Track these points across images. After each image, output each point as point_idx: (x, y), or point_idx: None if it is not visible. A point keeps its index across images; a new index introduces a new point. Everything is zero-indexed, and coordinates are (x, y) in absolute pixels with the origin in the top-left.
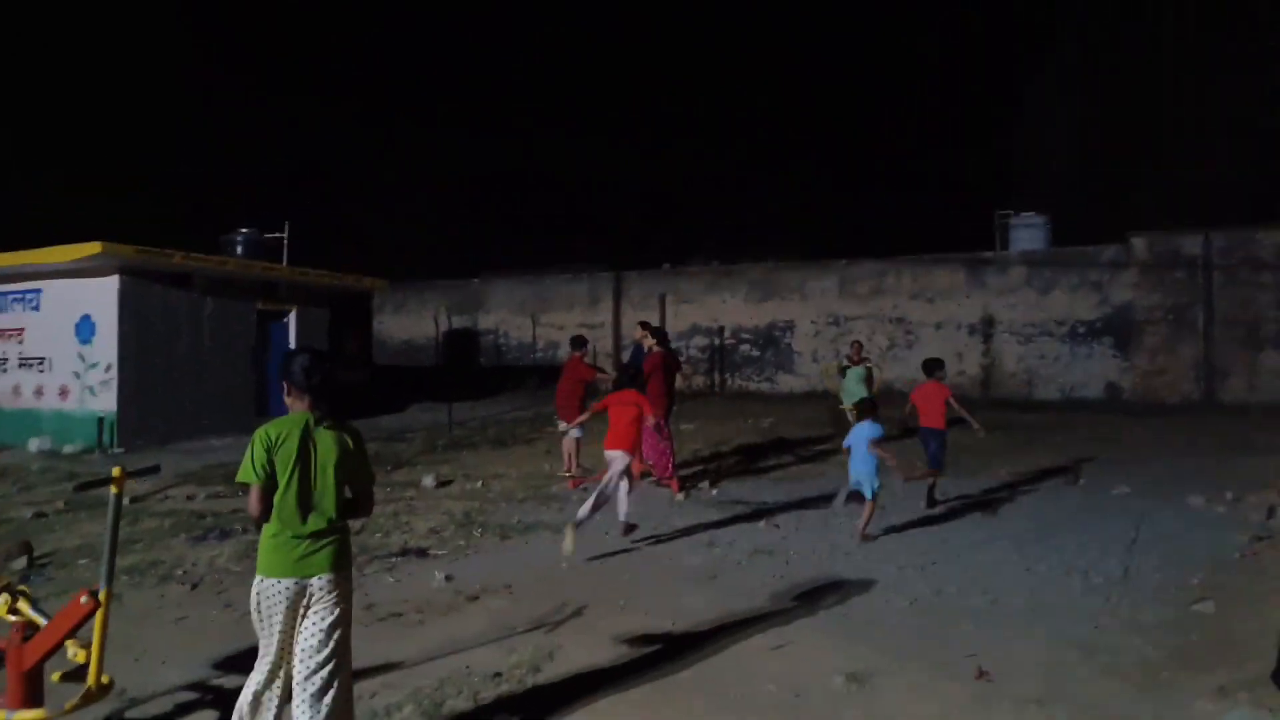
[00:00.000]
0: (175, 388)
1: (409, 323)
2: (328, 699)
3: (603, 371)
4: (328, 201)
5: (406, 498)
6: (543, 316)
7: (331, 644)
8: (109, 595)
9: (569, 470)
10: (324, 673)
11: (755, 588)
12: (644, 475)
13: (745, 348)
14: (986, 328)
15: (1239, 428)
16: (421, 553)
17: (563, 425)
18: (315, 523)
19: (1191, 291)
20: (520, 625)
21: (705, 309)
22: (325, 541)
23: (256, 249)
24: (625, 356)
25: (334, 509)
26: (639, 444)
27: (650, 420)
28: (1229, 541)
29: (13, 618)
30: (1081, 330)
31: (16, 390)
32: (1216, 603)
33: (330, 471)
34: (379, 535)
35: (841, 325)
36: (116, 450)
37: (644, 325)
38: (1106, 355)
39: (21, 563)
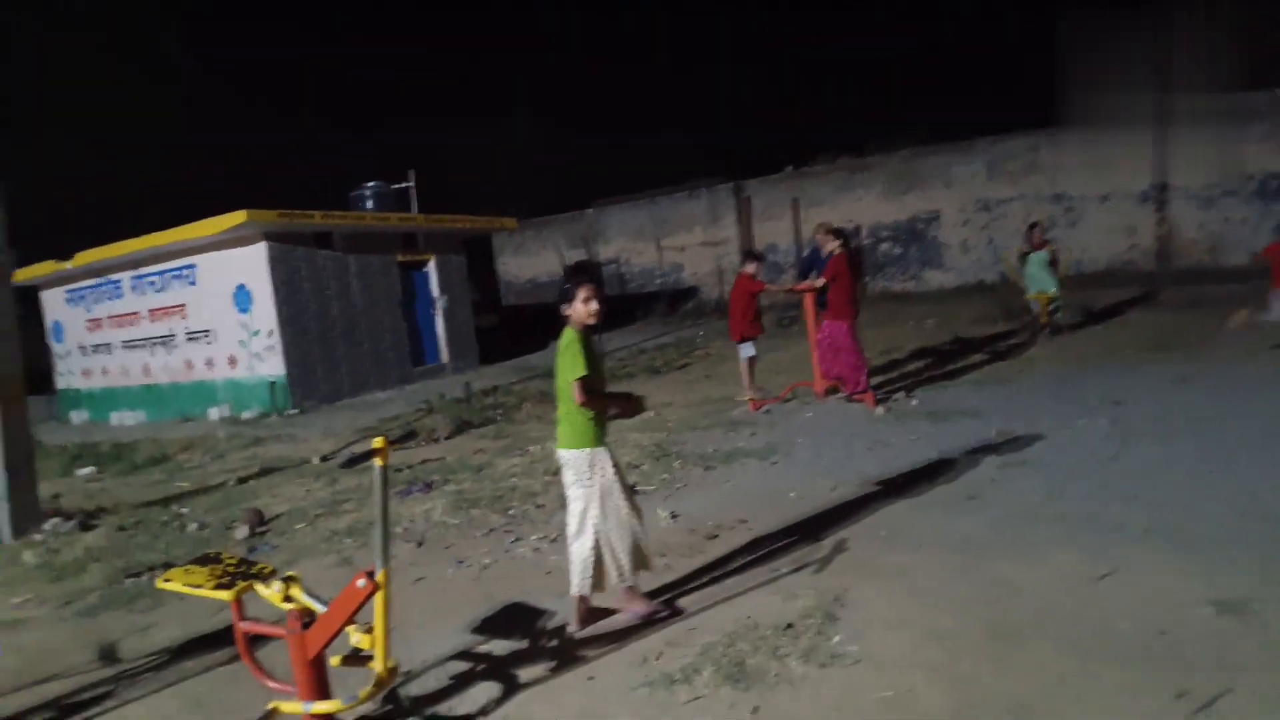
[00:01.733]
0: (334, 346)
1: (530, 261)
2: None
3: (773, 285)
4: (440, 144)
5: None
6: (664, 240)
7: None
8: (387, 576)
9: (750, 392)
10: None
11: (1029, 507)
12: (831, 391)
13: (886, 245)
14: (1160, 193)
15: None
16: (631, 488)
17: (743, 346)
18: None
19: None
20: (781, 565)
21: (838, 210)
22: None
23: (386, 201)
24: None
25: None
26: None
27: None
28: None
29: (288, 605)
30: (1274, 185)
31: (189, 364)
32: None
33: (603, 367)
34: None
35: (993, 210)
36: (291, 412)
37: (824, 226)
38: None
39: (244, 532)
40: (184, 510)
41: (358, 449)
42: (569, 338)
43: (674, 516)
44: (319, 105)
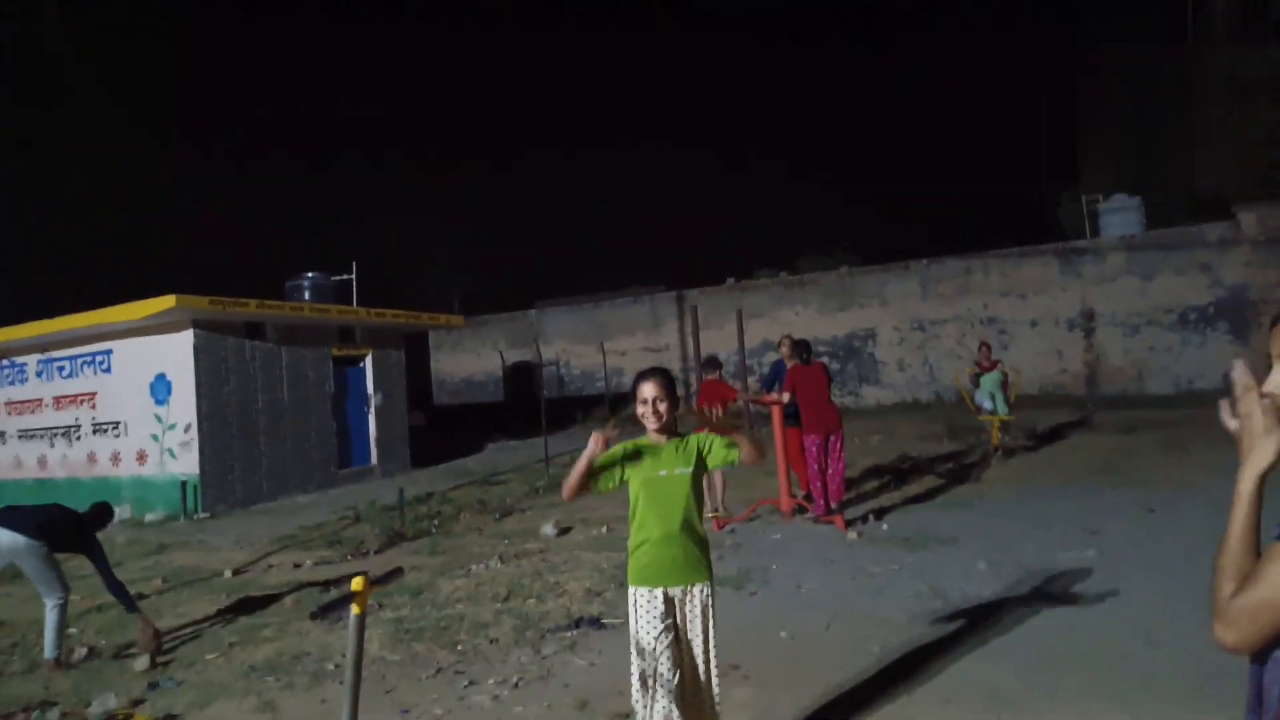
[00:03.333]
0: (256, 445)
1: (467, 360)
2: None
3: (744, 393)
4: (378, 240)
5: (535, 551)
6: (605, 343)
7: None
8: None
9: (714, 509)
10: None
11: (1049, 649)
12: (799, 511)
13: (825, 360)
14: (1087, 321)
15: None
16: (595, 621)
17: None
18: None
19: None
20: None
21: (777, 323)
22: None
23: (325, 292)
24: (696, 379)
25: None
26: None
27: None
28: None
29: None
30: (1193, 316)
31: (92, 458)
32: None
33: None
34: (532, 601)
35: (927, 330)
36: (202, 515)
37: (788, 338)
38: (1222, 341)
39: (143, 663)
40: (71, 631)
41: (331, 593)
42: (625, 442)
43: None
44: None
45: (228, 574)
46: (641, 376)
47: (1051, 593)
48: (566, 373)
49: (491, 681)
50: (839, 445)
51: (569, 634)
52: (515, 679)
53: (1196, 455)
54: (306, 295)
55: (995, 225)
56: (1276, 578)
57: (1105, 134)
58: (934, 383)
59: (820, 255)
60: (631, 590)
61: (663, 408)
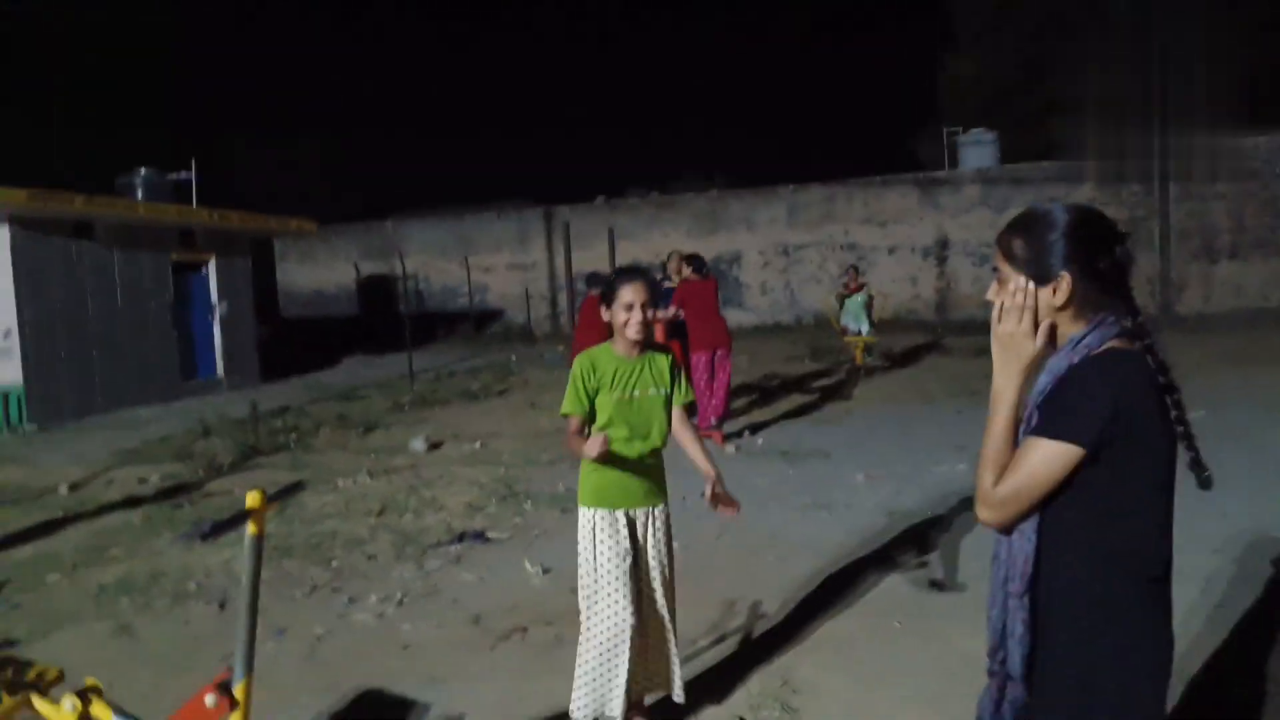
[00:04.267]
0: (88, 354)
1: (318, 271)
2: None
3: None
4: (223, 139)
5: (405, 466)
6: (468, 258)
7: None
8: (249, 689)
9: None
10: None
11: (957, 557)
12: None
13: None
14: (941, 250)
15: (1215, 340)
16: (480, 536)
17: None
18: None
19: (1147, 205)
20: (700, 638)
21: (647, 244)
22: None
23: (161, 192)
24: (564, 298)
25: None
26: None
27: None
28: None
29: None
30: None
31: None
32: None
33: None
34: (409, 516)
35: (791, 255)
36: (28, 429)
37: (678, 254)
38: None
39: None
40: None
41: (222, 516)
42: (580, 360)
43: (545, 571)
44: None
45: (63, 490)
46: (623, 276)
47: (931, 500)
48: (426, 287)
49: (374, 599)
50: (726, 361)
51: (453, 548)
52: (399, 595)
53: None
54: (139, 194)
55: (857, 154)
56: (1033, 468)
57: (967, 68)
58: (795, 306)
59: (691, 178)
60: (588, 512)
61: (649, 315)
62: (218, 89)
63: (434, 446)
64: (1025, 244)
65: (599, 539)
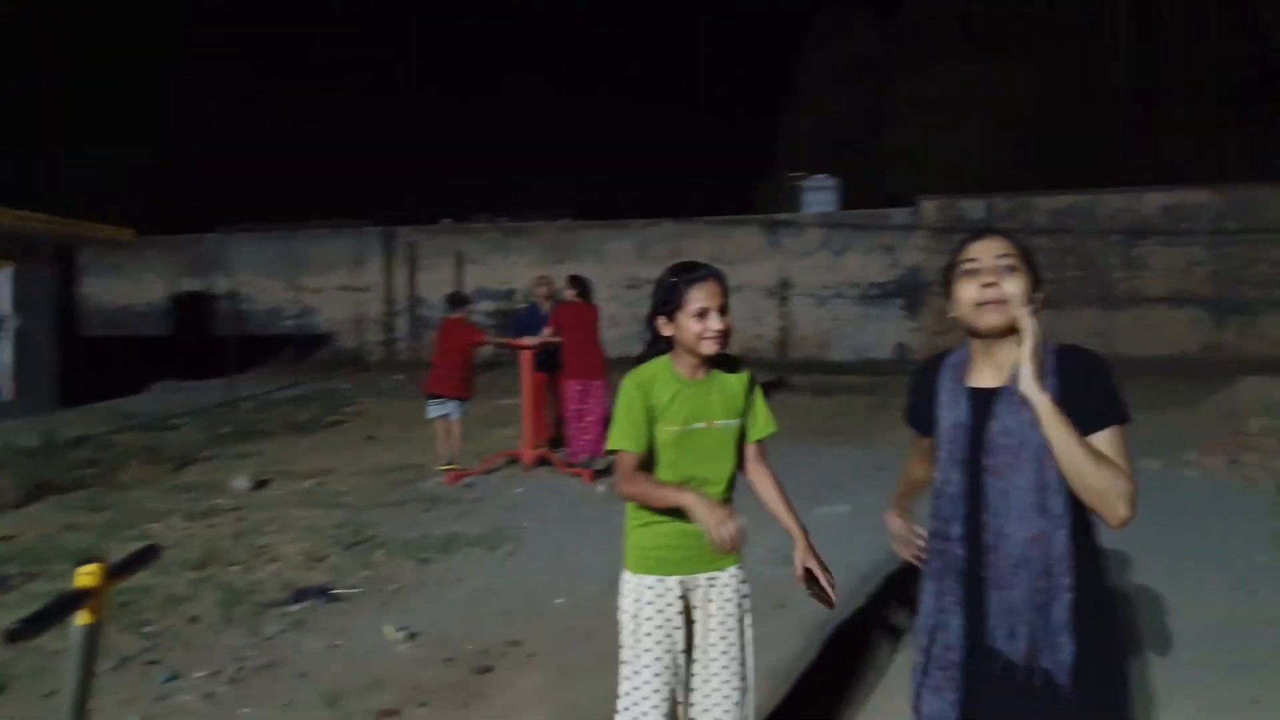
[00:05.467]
0: None
1: (126, 286)
2: None
3: (494, 337)
4: (25, 137)
5: (228, 508)
6: (297, 279)
7: None
8: None
9: (449, 461)
10: None
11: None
12: (542, 463)
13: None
14: (784, 290)
15: None
16: (325, 592)
17: (436, 404)
18: None
19: None
20: (599, 714)
21: (493, 270)
22: None
23: None
24: (403, 323)
25: None
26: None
27: None
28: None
29: None
30: (874, 292)
31: None
32: None
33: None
34: (237, 569)
35: (640, 288)
36: None
37: (545, 279)
38: (896, 316)
39: None
40: None
41: (9, 574)
42: (630, 381)
43: (412, 636)
44: None
45: None
46: (690, 276)
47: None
48: (250, 307)
49: (200, 674)
50: (601, 392)
51: (293, 608)
52: (233, 669)
53: (896, 416)
54: None
55: (706, 194)
56: (1128, 454)
57: (808, 116)
58: (644, 339)
59: (541, 206)
60: (633, 580)
61: (727, 323)
62: (22, 83)
63: (260, 485)
64: (1029, 255)
65: (643, 615)
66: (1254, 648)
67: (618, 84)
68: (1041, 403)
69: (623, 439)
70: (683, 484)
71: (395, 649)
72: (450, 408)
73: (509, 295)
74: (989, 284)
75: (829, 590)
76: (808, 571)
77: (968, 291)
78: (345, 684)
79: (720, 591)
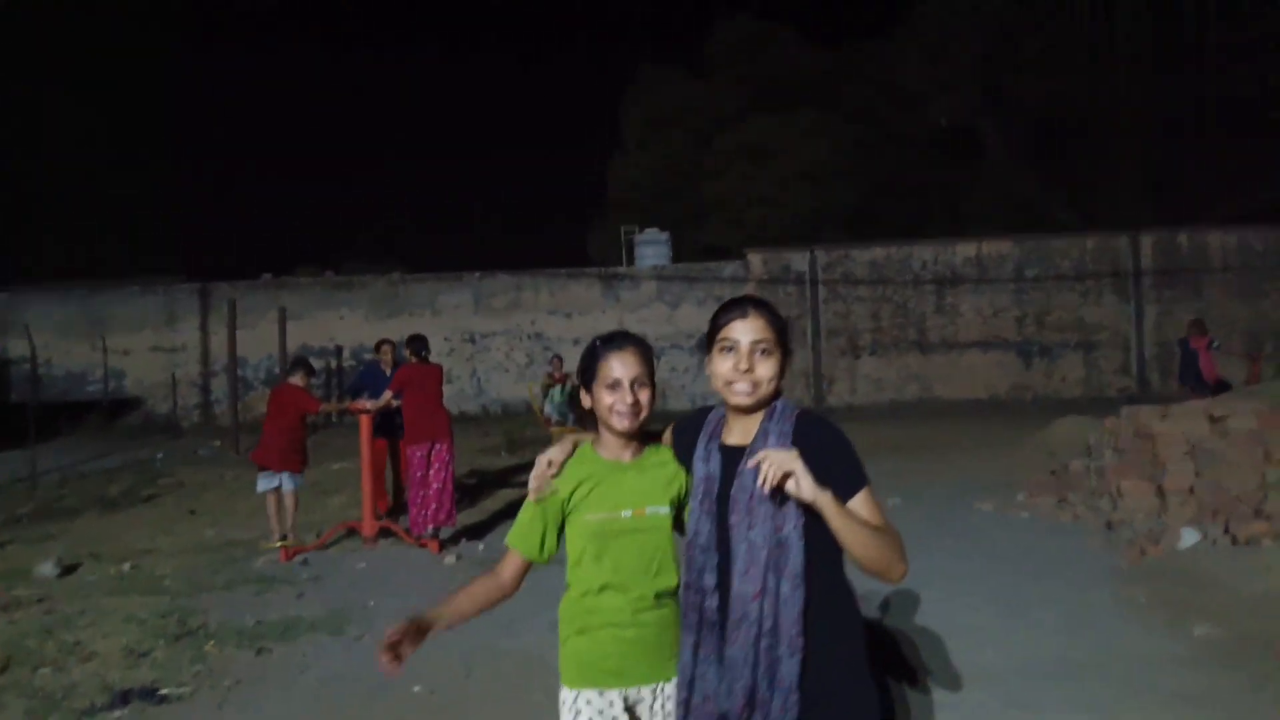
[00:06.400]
0: None
1: None
2: None
3: (329, 403)
4: None
5: (32, 599)
6: (102, 339)
7: None
8: None
9: (281, 537)
10: None
11: None
12: (384, 535)
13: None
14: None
15: (869, 429)
16: (151, 694)
17: (265, 476)
18: None
19: (801, 304)
20: None
21: (319, 326)
22: None
23: None
24: (220, 385)
25: None
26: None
27: None
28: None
29: None
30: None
31: None
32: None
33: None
34: (47, 670)
35: (478, 342)
36: None
37: (388, 340)
38: None
39: None
40: None
41: None
42: (544, 461)
43: None
44: None
45: None
46: (608, 345)
47: None
48: (47, 372)
49: None
50: (446, 456)
51: (115, 714)
52: None
53: None
54: None
55: (540, 246)
56: (880, 513)
57: (634, 169)
58: (483, 395)
59: (367, 259)
60: (569, 695)
61: (644, 397)
62: None
63: (68, 570)
64: (783, 330)
65: None
66: (1093, 681)
67: (447, 131)
68: (823, 499)
69: (517, 536)
70: (604, 584)
71: None
72: (282, 479)
73: (337, 353)
74: (744, 369)
75: None
76: None
77: (723, 368)
78: None
79: (666, 704)
